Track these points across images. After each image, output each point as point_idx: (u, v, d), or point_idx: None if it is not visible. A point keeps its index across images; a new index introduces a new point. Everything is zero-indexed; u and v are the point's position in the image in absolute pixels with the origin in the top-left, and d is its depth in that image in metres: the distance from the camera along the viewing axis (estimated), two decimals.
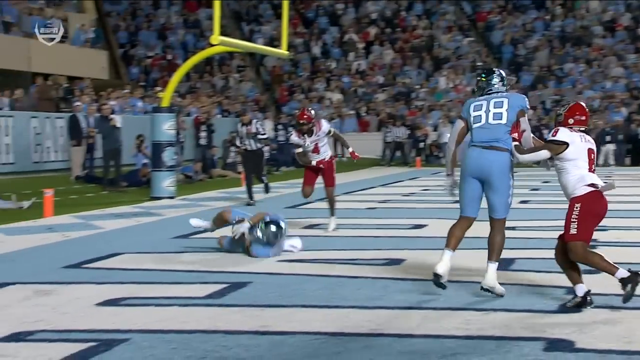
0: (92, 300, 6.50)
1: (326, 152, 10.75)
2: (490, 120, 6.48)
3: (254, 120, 14.52)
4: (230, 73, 34.33)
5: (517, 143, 6.52)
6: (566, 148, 6.23)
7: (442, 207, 13.34)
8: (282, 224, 8.46)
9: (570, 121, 6.33)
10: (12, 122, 19.65)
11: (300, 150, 10.75)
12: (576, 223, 6.16)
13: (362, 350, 5.15)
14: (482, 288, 6.47)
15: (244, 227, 8.53)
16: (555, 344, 5.27)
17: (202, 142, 20.98)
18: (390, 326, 5.76)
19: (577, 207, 6.19)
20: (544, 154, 6.35)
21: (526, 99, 6.72)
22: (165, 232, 10.32)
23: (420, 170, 24.07)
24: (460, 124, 6.70)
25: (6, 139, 19.47)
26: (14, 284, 7.16)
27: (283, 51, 17.00)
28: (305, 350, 5.15)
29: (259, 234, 8.38)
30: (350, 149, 10.83)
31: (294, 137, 10.79)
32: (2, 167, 19.30)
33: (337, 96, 33.23)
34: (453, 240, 6.53)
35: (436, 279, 6.46)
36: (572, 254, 6.21)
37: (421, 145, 27.80)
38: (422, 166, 25.38)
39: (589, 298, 6.14)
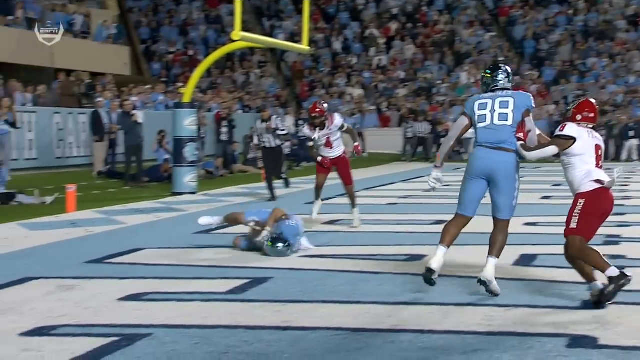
0: (114, 295, 6.54)
1: (339, 147, 10.65)
2: (496, 121, 6.39)
3: (274, 117, 14.52)
4: (252, 69, 34.38)
5: (522, 142, 6.46)
6: (573, 143, 6.17)
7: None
8: (290, 240, 8.36)
9: (579, 117, 6.29)
10: (35, 118, 19.80)
11: (311, 143, 10.70)
12: (577, 218, 6.11)
13: (384, 346, 5.14)
14: (478, 281, 6.36)
15: (266, 235, 8.45)
16: (578, 341, 5.24)
17: (223, 137, 21.02)
18: (411, 322, 5.74)
19: (580, 203, 6.13)
20: (552, 150, 6.27)
21: (532, 97, 6.61)
22: (187, 227, 10.36)
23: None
24: (464, 121, 6.59)
25: (29, 135, 19.61)
26: (37, 278, 7.21)
27: (304, 47, 16.99)
28: (327, 346, 5.15)
29: (269, 251, 8.32)
30: (356, 143, 10.63)
31: (306, 130, 10.71)
32: (26, 163, 19.44)
33: (358, 91, 33.19)
34: (448, 237, 6.46)
35: (428, 274, 6.35)
36: (569, 248, 6.15)
37: (442, 140, 27.69)
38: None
39: (607, 291, 6.06)
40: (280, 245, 8.31)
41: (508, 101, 6.45)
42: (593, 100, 6.49)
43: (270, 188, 14.09)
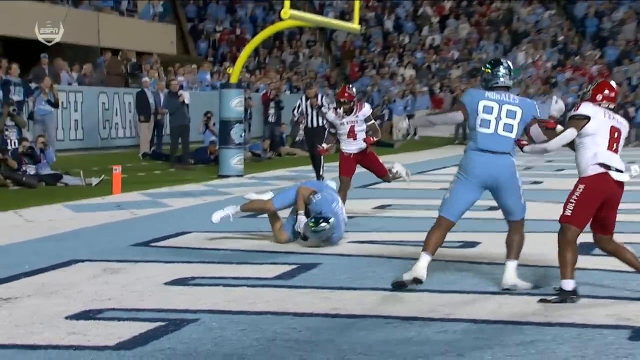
0: (160, 279, 6.61)
1: (362, 140, 10.19)
2: (500, 131, 6.20)
3: (320, 94, 14.42)
4: (300, 48, 34.38)
5: (524, 143, 6.35)
6: (587, 122, 6.02)
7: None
8: (331, 215, 7.96)
9: (599, 97, 6.14)
10: (80, 98, 20.05)
11: (333, 130, 10.30)
12: (574, 205, 6.00)
13: (436, 335, 5.12)
14: (503, 289, 6.27)
15: (302, 221, 8.08)
16: None
17: (271, 119, 21.08)
18: (465, 311, 5.72)
19: (580, 189, 6.01)
20: (570, 133, 6.06)
21: (536, 105, 6.47)
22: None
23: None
24: (458, 117, 6.39)
25: (75, 115, 19.87)
26: (82, 261, 7.32)
27: (354, 25, 16.92)
28: (377, 334, 5.15)
29: (314, 236, 7.97)
30: (372, 139, 10.19)
31: (330, 115, 10.35)
32: (71, 143, 19.72)
33: (409, 72, 33.00)
34: (433, 244, 6.26)
35: (414, 284, 6.16)
36: (560, 235, 6.05)
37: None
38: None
39: (551, 298, 5.93)
40: (323, 224, 7.90)
41: (515, 112, 6.25)
42: (613, 82, 6.37)
43: (316, 168, 13.88)
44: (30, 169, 13.65)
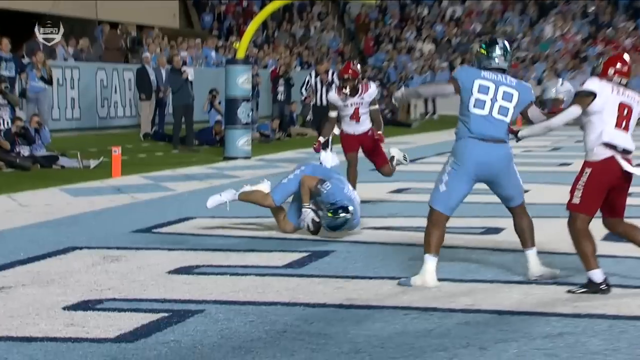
0: (163, 267, 6.63)
1: (366, 122, 9.99)
2: (495, 114, 6.17)
3: (332, 70, 14.34)
4: (311, 21, 34.29)
5: (515, 129, 6.32)
6: (593, 99, 5.98)
7: (545, 170, 13.13)
8: (346, 201, 7.74)
9: (610, 71, 6.10)
10: (77, 74, 20.07)
11: (334, 113, 9.99)
12: (581, 192, 5.97)
13: (458, 327, 5.13)
14: (530, 280, 6.26)
15: (308, 216, 7.84)
16: None
17: (280, 97, 21.06)
18: (488, 302, 5.72)
19: (586, 173, 5.98)
20: (575, 109, 6.02)
21: (532, 88, 6.48)
22: None
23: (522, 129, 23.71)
24: (449, 88, 6.33)
25: (72, 92, 19.90)
26: (80, 248, 7.36)
27: None
28: (395, 326, 5.16)
29: (331, 228, 7.73)
30: (380, 132, 9.95)
31: (332, 95, 10.04)
32: (68, 123, 19.77)
33: (428, 47, 32.88)
34: (436, 244, 6.18)
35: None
36: (570, 225, 6.05)
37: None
38: (523, 125, 24.99)
39: (577, 289, 5.93)
40: (343, 214, 7.67)
41: (512, 94, 6.23)
42: (627, 55, 6.32)
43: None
44: (24, 150, 13.69)
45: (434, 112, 28.72)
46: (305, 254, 7.16)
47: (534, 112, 6.34)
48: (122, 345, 4.72)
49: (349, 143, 10.07)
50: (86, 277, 6.31)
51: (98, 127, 20.61)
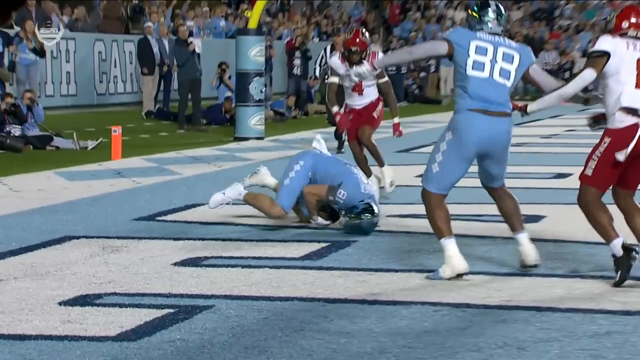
0: (168, 259, 6.66)
1: (370, 96, 9.80)
2: (496, 76, 6.15)
3: None
4: None
5: (520, 105, 6.31)
6: (607, 59, 5.93)
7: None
8: (365, 199, 7.64)
9: (624, 24, 6.06)
10: (73, 46, 20.12)
11: (334, 80, 9.81)
12: (596, 163, 5.98)
13: (493, 325, 5.13)
14: (525, 266, 6.27)
15: (323, 223, 7.86)
16: None
17: (296, 71, 21.06)
18: (527, 297, 5.71)
19: (605, 143, 5.97)
20: (588, 73, 5.97)
21: (531, 50, 6.49)
22: None
23: (564, 106, 23.62)
24: (442, 47, 6.26)
25: (67, 66, 19.97)
26: (77, 238, 7.39)
27: None
28: (423, 324, 5.16)
29: (358, 231, 7.59)
30: (397, 120, 9.80)
31: (334, 60, 9.87)
32: (63, 100, 19.85)
33: (460, 15, 32.72)
34: (446, 226, 6.19)
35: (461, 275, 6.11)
36: (579, 199, 6.07)
37: (567, 74, 27.25)
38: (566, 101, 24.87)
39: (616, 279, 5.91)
40: (368, 216, 7.56)
41: (513, 55, 6.22)
42: None
43: (338, 137, 13.62)
44: (16, 130, 13.76)
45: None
46: (324, 245, 7.17)
47: (538, 72, 6.34)
48: (124, 344, 4.74)
49: (346, 123, 9.82)
50: (84, 270, 6.34)
51: (96, 104, 20.68)
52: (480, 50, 6.19)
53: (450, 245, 6.14)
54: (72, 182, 10.54)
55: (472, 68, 6.17)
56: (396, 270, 6.36)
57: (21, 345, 4.73)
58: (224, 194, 8.11)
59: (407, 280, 6.11)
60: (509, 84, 6.22)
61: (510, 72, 6.21)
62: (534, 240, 7.19)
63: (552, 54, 27.24)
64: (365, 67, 6.51)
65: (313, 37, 26.90)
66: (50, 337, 4.83)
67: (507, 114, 6.21)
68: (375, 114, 9.85)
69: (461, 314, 5.34)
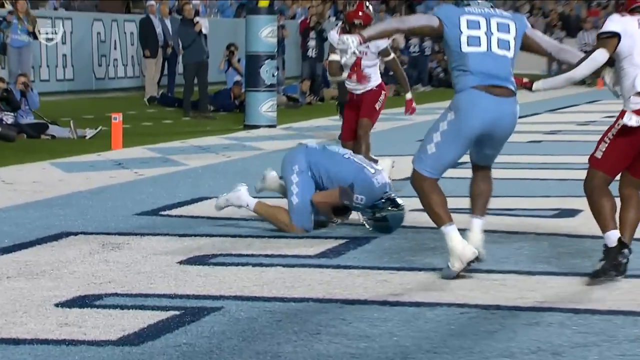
0: (173, 257, 6.67)
1: (373, 79, 9.75)
2: (495, 49, 6.14)
3: None
4: None
5: (529, 82, 6.30)
6: (619, 41, 5.92)
7: None
8: (384, 194, 7.53)
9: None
10: (69, 27, 20.15)
11: (335, 57, 9.32)
12: (607, 145, 6.00)
13: (525, 329, 5.12)
14: (473, 261, 6.14)
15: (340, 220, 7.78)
16: None
17: (311, 53, 21.06)
18: (562, 298, 5.71)
19: (618, 125, 5.97)
20: (600, 54, 5.96)
21: (525, 17, 6.50)
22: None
23: (602, 90, 23.53)
24: (433, 20, 6.23)
25: (63, 49, 20.00)
26: (75, 234, 7.41)
27: None
28: (449, 327, 5.16)
29: (385, 228, 7.52)
30: (409, 96, 9.83)
31: (333, 35, 9.68)
32: (59, 85, 19.89)
33: None
34: (444, 212, 6.20)
35: (473, 264, 6.13)
36: (585, 182, 6.11)
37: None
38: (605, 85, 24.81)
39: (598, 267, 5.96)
40: (394, 209, 7.48)
41: (508, 25, 6.22)
42: None
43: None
44: (8, 118, 13.80)
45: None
46: (341, 242, 7.17)
47: (536, 34, 6.33)
48: (126, 349, 4.75)
49: (348, 118, 9.77)
50: (82, 268, 6.35)
51: (95, 89, 20.73)
52: (473, 24, 6.20)
53: (452, 233, 6.13)
54: (69, 173, 10.56)
55: (468, 44, 6.17)
56: (419, 269, 6.36)
57: (15, 350, 4.74)
58: (227, 199, 7.77)
59: (431, 280, 6.10)
60: (509, 54, 6.22)
61: (509, 42, 6.21)
62: (569, 236, 7.18)
63: (591, 34, 27.08)
64: (353, 38, 6.38)
65: (329, 17, 26.88)
66: (46, 342, 4.84)
67: (513, 92, 6.20)
68: (377, 106, 9.76)
69: (491, 317, 5.33)
